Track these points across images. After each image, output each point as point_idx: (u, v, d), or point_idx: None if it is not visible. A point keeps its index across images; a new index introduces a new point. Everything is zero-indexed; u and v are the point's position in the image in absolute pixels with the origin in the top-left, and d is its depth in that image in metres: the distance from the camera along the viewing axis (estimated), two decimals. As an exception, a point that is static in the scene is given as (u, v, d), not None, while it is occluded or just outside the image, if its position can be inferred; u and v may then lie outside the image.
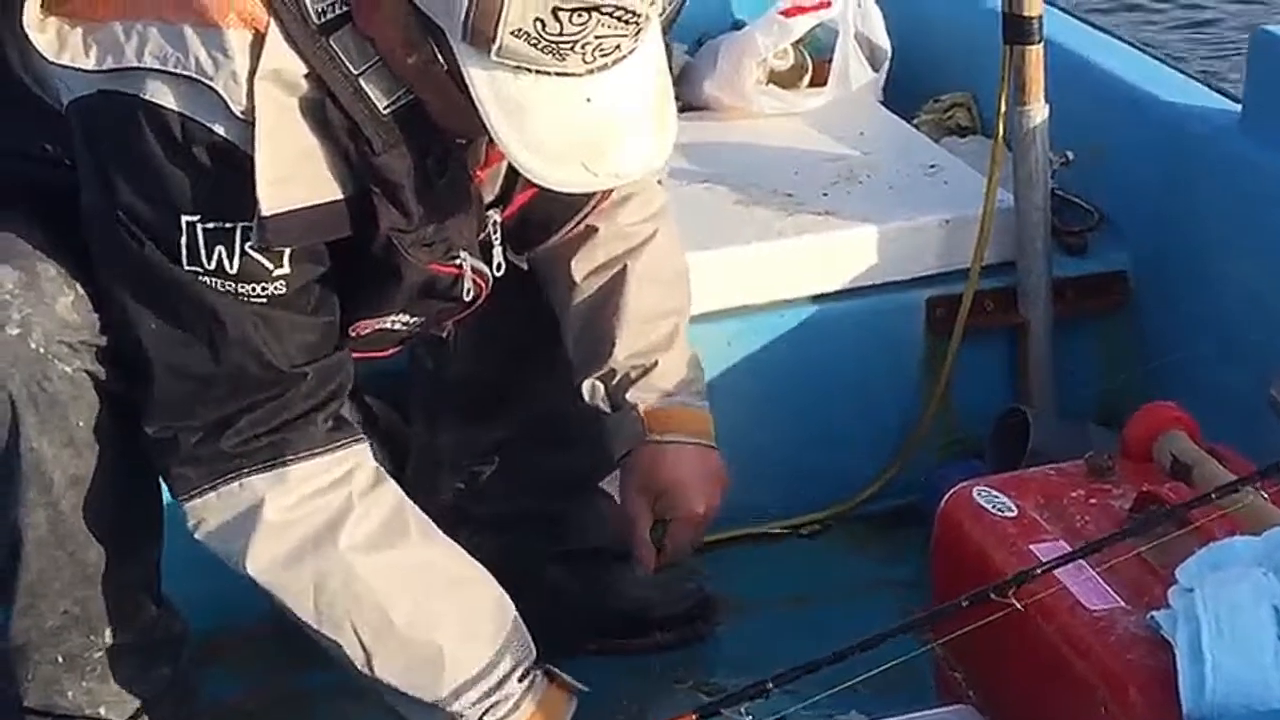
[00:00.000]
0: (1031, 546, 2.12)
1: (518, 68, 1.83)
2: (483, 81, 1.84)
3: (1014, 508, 2.20)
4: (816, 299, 2.83)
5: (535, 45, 1.81)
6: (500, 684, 2.13)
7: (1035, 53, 2.77)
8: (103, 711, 2.24)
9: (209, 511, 2.07)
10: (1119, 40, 3.18)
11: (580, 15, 1.80)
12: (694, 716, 1.90)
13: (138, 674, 2.25)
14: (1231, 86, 3.00)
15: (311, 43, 1.91)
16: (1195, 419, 2.30)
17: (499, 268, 2.20)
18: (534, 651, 2.18)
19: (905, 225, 2.86)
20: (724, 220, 2.85)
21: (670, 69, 2.03)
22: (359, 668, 2.10)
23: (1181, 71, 3.05)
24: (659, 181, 2.41)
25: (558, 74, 1.83)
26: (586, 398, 2.37)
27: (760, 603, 2.73)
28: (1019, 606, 1.88)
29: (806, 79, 3.27)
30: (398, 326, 2.17)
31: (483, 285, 2.17)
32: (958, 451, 2.88)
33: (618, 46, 1.84)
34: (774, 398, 2.81)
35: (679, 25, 2.38)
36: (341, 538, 2.07)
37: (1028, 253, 2.84)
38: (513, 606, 2.18)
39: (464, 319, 2.27)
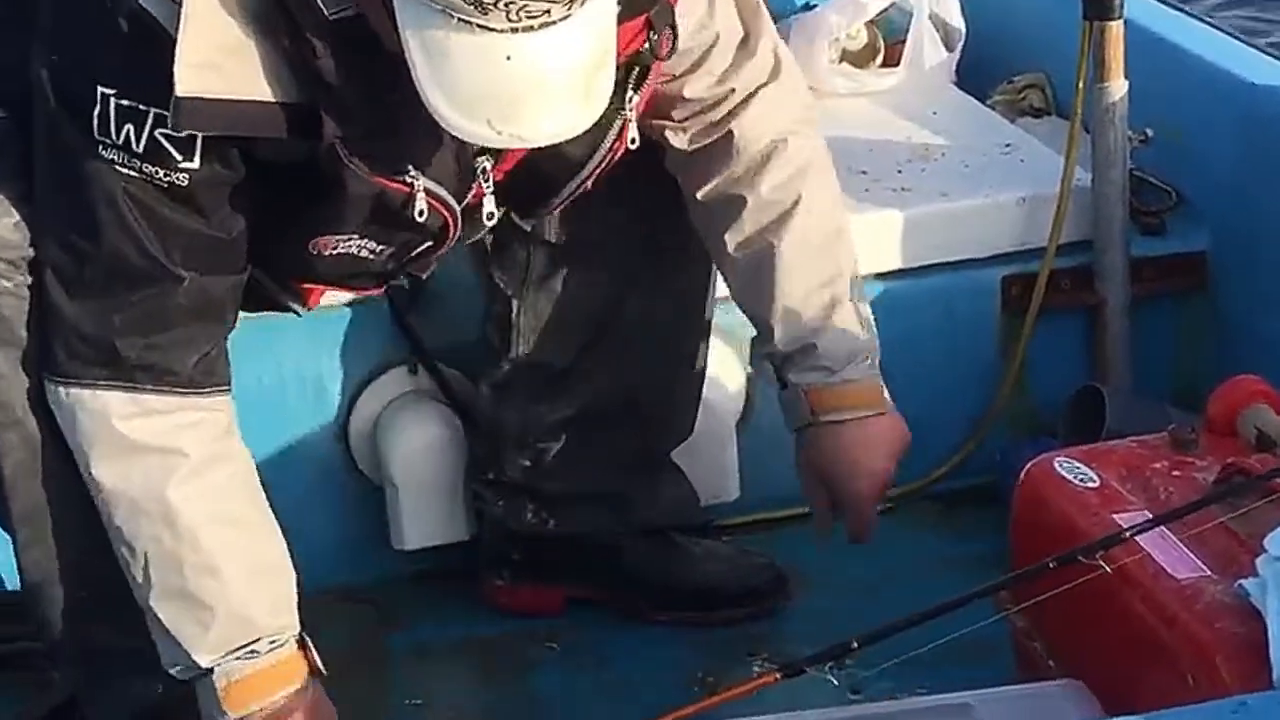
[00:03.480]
0: (1115, 516, 2.08)
1: (443, 11, 1.79)
2: (409, 14, 1.82)
3: (1096, 478, 2.17)
4: (891, 275, 2.81)
5: None
6: (249, 643, 2.13)
7: (1115, 28, 2.75)
8: (136, 642, 2.20)
9: (59, 403, 2.08)
10: (1195, 18, 3.15)
11: None
12: (778, 675, 1.89)
13: None
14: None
15: None
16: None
17: (489, 216, 2.16)
18: (296, 625, 2.17)
19: (981, 202, 2.85)
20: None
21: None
22: (136, 590, 2.12)
23: (1259, 50, 3.02)
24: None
25: (480, 26, 1.78)
26: (757, 369, 2.40)
27: (831, 580, 2.71)
28: (1106, 569, 1.86)
29: (879, 59, 3.26)
30: (364, 254, 2.16)
31: (447, 216, 2.14)
32: (1032, 431, 2.85)
33: (547, 11, 1.78)
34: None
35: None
36: (172, 482, 2.07)
37: (1105, 231, 2.81)
38: (294, 590, 2.17)
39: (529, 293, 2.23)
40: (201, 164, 1.98)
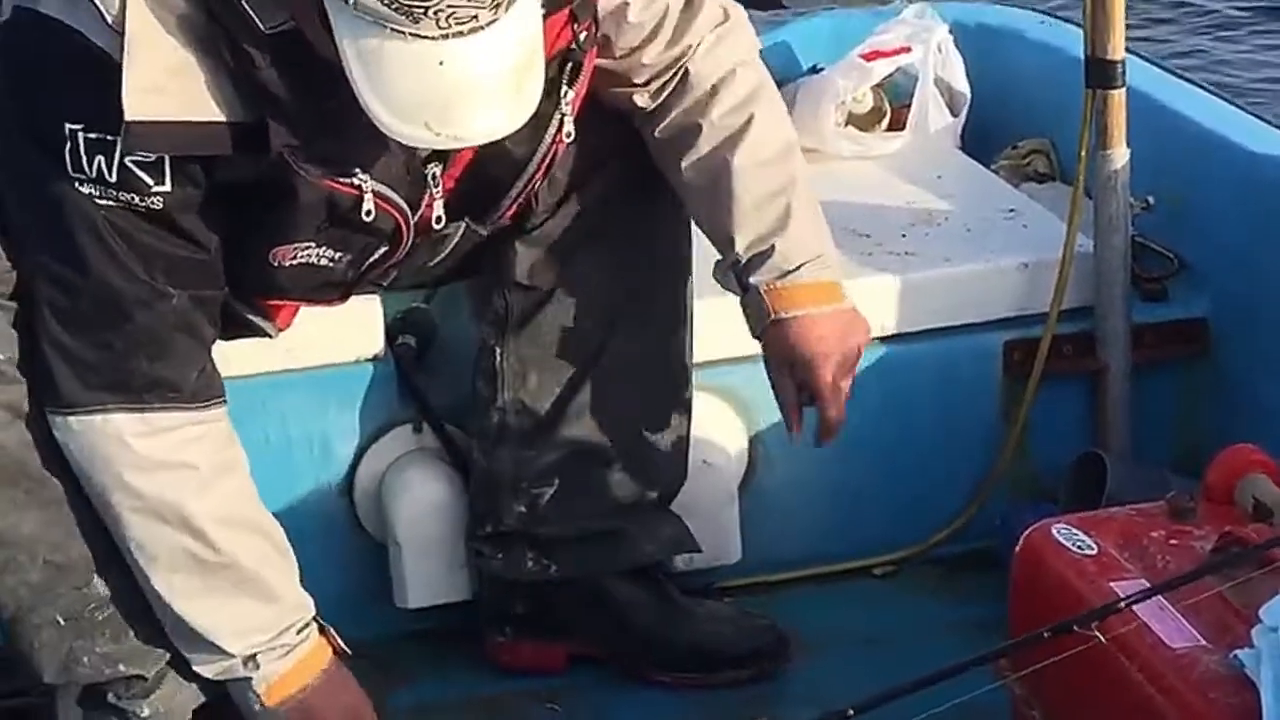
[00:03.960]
0: (1112, 584, 2.09)
1: (374, 22, 1.89)
2: (344, 27, 1.91)
3: (1094, 546, 2.18)
4: (893, 339, 2.82)
5: (388, 5, 1.87)
6: (278, 635, 2.27)
7: (1118, 97, 2.77)
8: (123, 669, 2.27)
9: (68, 434, 2.15)
10: (1198, 87, 3.18)
11: None
12: (774, 743, 1.90)
13: (153, 623, 2.28)
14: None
15: None
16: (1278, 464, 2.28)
17: (438, 220, 2.27)
18: (311, 610, 2.33)
19: (984, 267, 2.86)
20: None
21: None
22: (157, 599, 2.21)
23: (1260, 118, 3.03)
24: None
25: (412, 35, 1.89)
26: (721, 284, 2.45)
27: (831, 642, 2.72)
28: (1101, 639, 1.87)
29: (884, 122, 3.29)
30: (324, 262, 2.25)
31: (397, 217, 2.23)
32: (1033, 496, 2.86)
33: (474, 16, 1.89)
34: (849, 438, 2.77)
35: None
36: (187, 494, 2.18)
37: (1107, 298, 2.83)
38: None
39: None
40: (173, 186, 2.08)
